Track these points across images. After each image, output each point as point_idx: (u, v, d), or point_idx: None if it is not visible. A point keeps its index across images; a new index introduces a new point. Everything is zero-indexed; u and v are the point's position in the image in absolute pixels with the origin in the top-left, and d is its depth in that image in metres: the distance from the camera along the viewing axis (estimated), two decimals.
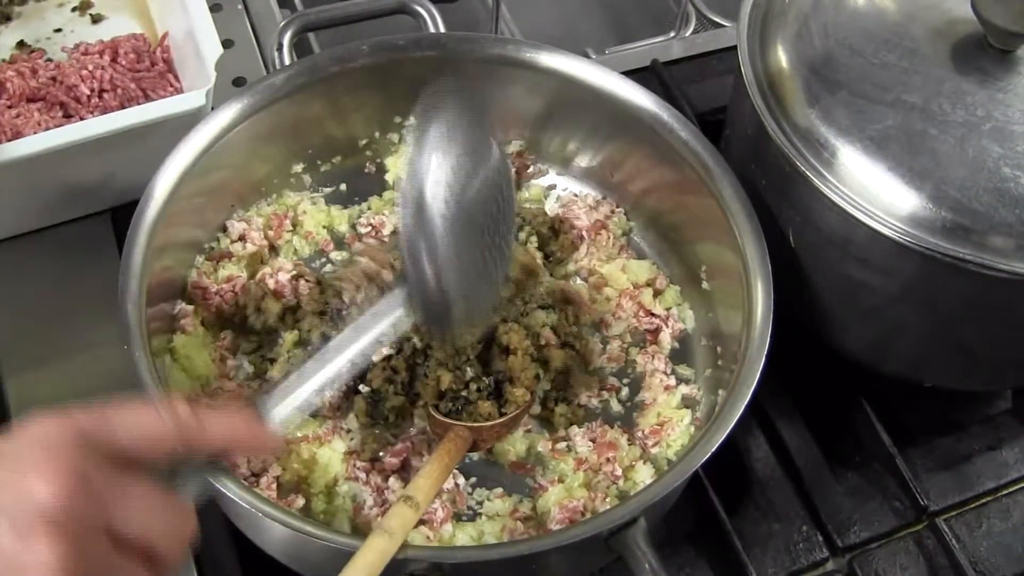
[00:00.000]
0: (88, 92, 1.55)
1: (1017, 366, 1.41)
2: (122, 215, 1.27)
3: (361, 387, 1.30)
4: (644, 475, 1.31)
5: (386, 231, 1.50)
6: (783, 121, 1.28)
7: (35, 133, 1.44)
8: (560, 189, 1.58)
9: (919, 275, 1.24)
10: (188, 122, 1.36)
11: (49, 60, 1.62)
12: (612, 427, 1.36)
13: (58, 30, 1.70)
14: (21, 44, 1.66)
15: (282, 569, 1.23)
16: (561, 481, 1.31)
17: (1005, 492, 1.45)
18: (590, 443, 1.34)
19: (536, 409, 1.36)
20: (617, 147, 1.51)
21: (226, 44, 1.71)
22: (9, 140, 1.42)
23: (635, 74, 1.61)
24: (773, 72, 1.32)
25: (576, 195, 1.57)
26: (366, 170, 1.56)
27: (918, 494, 1.40)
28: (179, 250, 1.38)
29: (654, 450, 1.34)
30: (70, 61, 1.59)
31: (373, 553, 1.05)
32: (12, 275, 1.49)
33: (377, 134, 1.54)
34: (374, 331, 1.13)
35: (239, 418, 0.99)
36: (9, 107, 1.52)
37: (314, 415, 1.31)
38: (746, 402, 1.19)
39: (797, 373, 1.46)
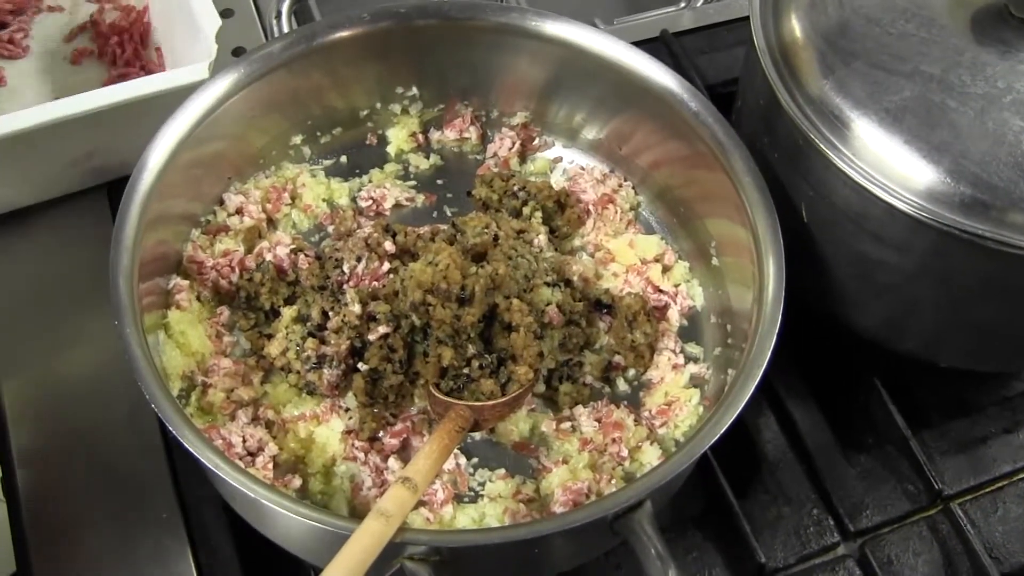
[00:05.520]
0: None
1: None
2: (118, 190, 1.26)
3: (360, 365, 1.27)
4: (651, 456, 1.28)
5: (387, 204, 1.47)
6: (796, 92, 1.25)
7: None
8: (566, 162, 1.55)
9: (936, 252, 1.21)
10: (186, 97, 1.33)
11: None
12: (618, 407, 1.33)
13: None
14: None
15: (278, 551, 1.20)
16: (565, 462, 1.28)
17: (1021, 476, 1.42)
18: (595, 423, 1.31)
19: (540, 388, 1.34)
20: (625, 119, 1.48)
21: (226, 14, 1.70)
22: None
23: (644, 44, 1.58)
24: (786, 42, 1.29)
25: (583, 168, 1.53)
26: (367, 142, 1.53)
27: (932, 477, 1.37)
28: (174, 223, 1.36)
29: (661, 431, 1.31)
30: None
31: (369, 536, 1.02)
32: (7, 252, 1.46)
33: (378, 105, 1.51)
34: None
35: None
36: None
37: (311, 393, 1.28)
38: (756, 382, 1.16)
39: (809, 352, 1.43)
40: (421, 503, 1.20)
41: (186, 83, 1.38)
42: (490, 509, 1.24)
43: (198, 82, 1.37)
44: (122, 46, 1.61)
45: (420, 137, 1.54)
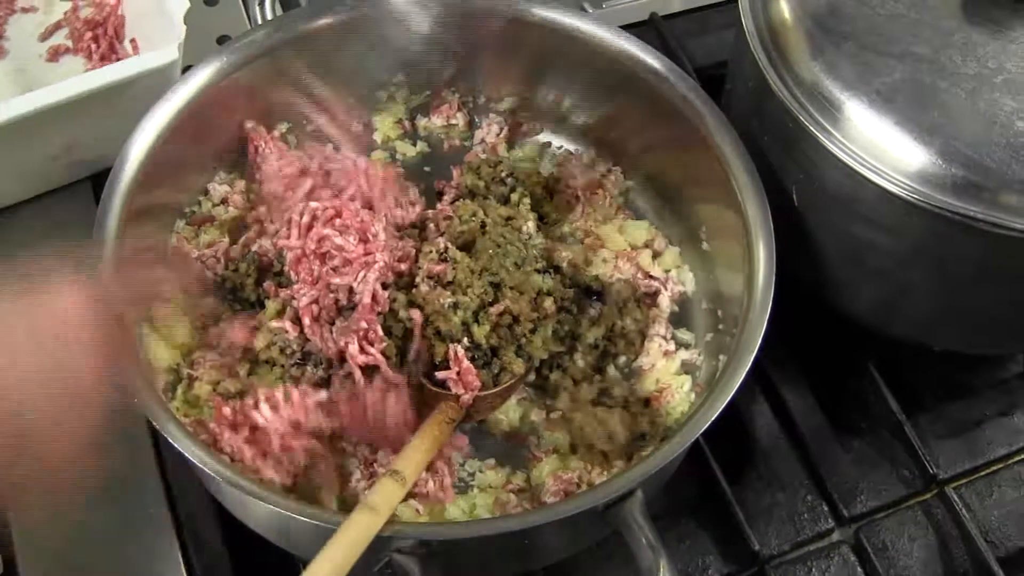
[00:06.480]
0: None
1: None
2: (103, 182, 1.24)
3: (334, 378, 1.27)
4: None
5: None
6: (786, 75, 1.24)
7: None
8: (555, 148, 1.54)
9: (928, 235, 1.19)
10: (159, 83, 1.32)
11: None
12: None
13: None
14: None
15: (267, 546, 1.19)
16: (556, 451, 1.27)
17: (1017, 459, 1.41)
18: None
19: (530, 376, 1.32)
20: (614, 104, 1.46)
21: (210, 2, 1.69)
22: None
23: (633, 28, 1.57)
24: (775, 24, 1.27)
25: (571, 153, 1.52)
26: (353, 129, 1.51)
27: (927, 462, 1.36)
28: (158, 215, 1.34)
29: (658, 424, 1.30)
30: None
31: (356, 530, 1.01)
32: None
33: (364, 92, 1.49)
34: None
35: None
36: None
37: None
38: (748, 367, 1.14)
39: (801, 337, 1.42)
40: (411, 494, 1.19)
41: (155, 66, 1.36)
42: (481, 499, 1.23)
43: (169, 64, 1.37)
44: (97, 40, 1.59)
45: (406, 124, 1.53)
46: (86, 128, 1.38)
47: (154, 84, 1.33)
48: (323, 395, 1.22)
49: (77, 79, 1.36)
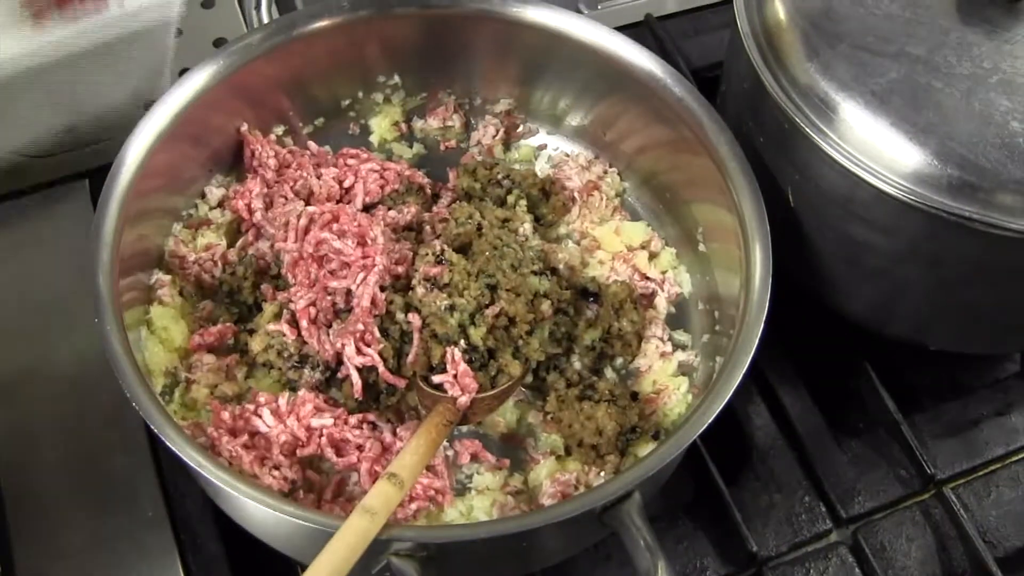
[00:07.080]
0: None
1: None
2: (99, 183, 1.24)
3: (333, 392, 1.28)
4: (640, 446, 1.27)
5: None
6: (781, 76, 1.24)
7: None
8: (551, 149, 1.54)
9: (924, 235, 1.19)
10: (156, 42, 1.32)
11: None
12: None
13: None
14: None
15: (265, 549, 1.19)
16: (553, 453, 1.27)
17: (1014, 459, 1.41)
18: None
19: (527, 378, 1.32)
20: (610, 105, 1.46)
21: (207, 4, 1.69)
22: None
23: (628, 29, 1.57)
24: (771, 25, 1.27)
25: (567, 155, 1.52)
26: (350, 131, 1.52)
27: (924, 462, 1.36)
28: (155, 218, 1.34)
29: (650, 420, 1.30)
30: None
31: (353, 534, 1.01)
32: None
33: (360, 94, 1.50)
34: None
35: None
36: None
37: (294, 390, 1.27)
38: (745, 368, 1.14)
39: (798, 337, 1.42)
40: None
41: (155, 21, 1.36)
42: (478, 502, 1.23)
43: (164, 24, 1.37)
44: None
45: (403, 126, 1.53)
46: (84, 85, 1.38)
47: (151, 43, 1.32)
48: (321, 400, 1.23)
49: (80, 25, 1.35)
